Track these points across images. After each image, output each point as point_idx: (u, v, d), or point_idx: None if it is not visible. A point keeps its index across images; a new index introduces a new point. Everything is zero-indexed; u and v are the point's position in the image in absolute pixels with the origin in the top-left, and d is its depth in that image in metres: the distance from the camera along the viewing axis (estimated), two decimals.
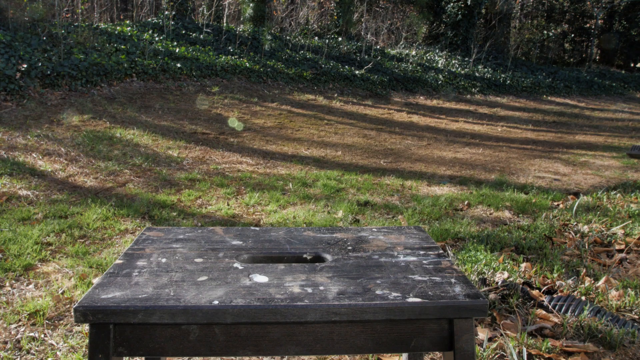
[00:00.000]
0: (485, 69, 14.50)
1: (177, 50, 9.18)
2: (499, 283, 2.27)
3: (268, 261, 0.96)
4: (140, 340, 0.58)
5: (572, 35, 22.16)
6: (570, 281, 2.39)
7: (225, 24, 11.85)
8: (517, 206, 3.99)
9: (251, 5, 12.61)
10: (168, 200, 3.75)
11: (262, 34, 11.72)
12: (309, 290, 0.60)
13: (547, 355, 1.77)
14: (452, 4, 15.94)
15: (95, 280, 1.95)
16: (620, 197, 4.29)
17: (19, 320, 2.00)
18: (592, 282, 2.39)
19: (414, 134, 7.76)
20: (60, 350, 1.81)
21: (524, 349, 1.72)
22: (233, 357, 1.60)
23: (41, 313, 2.03)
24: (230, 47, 10.64)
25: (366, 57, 12.90)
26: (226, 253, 1.05)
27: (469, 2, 15.49)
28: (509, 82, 13.84)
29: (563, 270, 2.54)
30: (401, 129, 8.07)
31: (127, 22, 11.03)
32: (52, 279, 2.39)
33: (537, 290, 2.27)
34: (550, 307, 2.13)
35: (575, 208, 3.76)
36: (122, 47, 8.49)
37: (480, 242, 2.98)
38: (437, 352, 1.86)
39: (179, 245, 1.12)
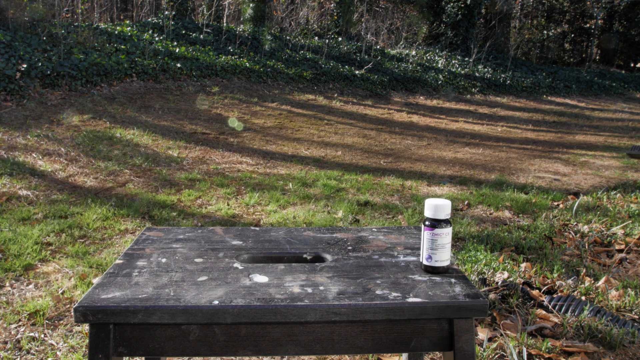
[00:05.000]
0: (485, 69, 14.49)
1: (177, 50, 9.18)
2: (499, 283, 2.27)
3: (268, 261, 0.96)
4: (140, 340, 0.58)
5: (572, 35, 22.16)
6: (570, 281, 2.39)
7: (225, 24, 11.85)
8: (517, 206, 3.99)
9: (251, 5, 12.61)
10: (168, 200, 3.75)
11: (262, 34, 11.71)
12: (309, 290, 0.60)
13: (547, 355, 1.77)
14: (452, 4, 15.94)
15: (95, 280, 1.95)
16: (620, 197, 4.29)
17: (19, 320, 2.00)
18: (592, 282, 2.39)
19: (414, 134, 7.76)
20: (60, 350, 1.81)
21: (524, 349, 1.72)
22: (233, 357, 1.60)
23: (41, 313, 2.03)
24: (230, 47, 10.63)
25: (366, 57, 12.90)
26: (226, 253, 1.05)
27: (469, 2, 15.49)
28: (509, 82, 13.84)
29: (563, 270, 2.54)
30: (401, 129, 8.07)
31: (127, 22, 11.02)
32: (52, 279, 2.38)
33: (537, 290, 2.27)
34: (550, 307, 2.13)
35: (575, 208, 3.76)
36: (122, 47, 8.49)
37: (480, 242, 2.98)
38: (437, 352, 1.86)
39: (179, 245, 1.12)
